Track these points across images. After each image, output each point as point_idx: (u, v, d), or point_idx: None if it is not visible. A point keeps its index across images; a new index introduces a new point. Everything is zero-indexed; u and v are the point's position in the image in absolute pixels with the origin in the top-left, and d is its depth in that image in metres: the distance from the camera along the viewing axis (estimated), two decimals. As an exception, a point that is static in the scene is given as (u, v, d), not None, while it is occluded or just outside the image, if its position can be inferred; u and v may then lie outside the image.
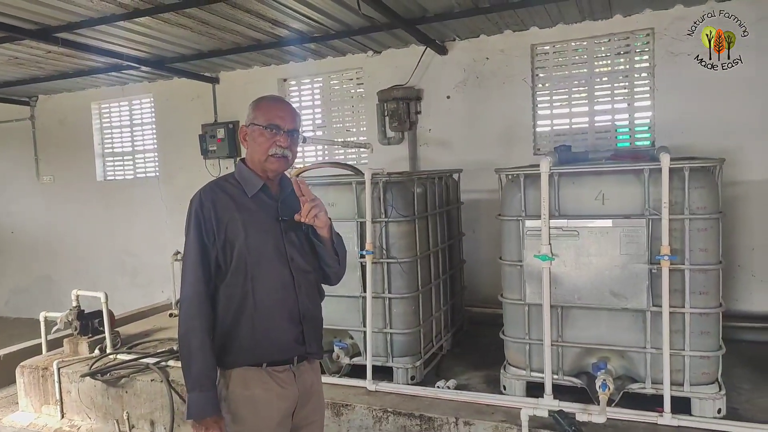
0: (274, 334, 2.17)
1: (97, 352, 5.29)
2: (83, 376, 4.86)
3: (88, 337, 5.42)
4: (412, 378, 4.33)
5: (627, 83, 5.83)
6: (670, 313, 3.45)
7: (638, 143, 5.81)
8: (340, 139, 6.94)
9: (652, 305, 3.54)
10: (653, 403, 3.57)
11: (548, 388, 3.71)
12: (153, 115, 8.23)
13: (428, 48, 6.21)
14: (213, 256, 2.13)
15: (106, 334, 5.31)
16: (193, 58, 6.67)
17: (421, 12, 5.40)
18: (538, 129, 6.18)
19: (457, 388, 4.19)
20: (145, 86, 8.03)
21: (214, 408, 2.08)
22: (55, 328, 5.54)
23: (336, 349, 4.43)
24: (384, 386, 4.22)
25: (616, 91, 5.87)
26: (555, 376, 3.77)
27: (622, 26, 5.66)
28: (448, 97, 6.44)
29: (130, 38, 5.80)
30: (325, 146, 7.22)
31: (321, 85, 7.31)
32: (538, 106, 6.17)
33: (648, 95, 5.70)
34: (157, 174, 8.23)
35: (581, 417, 3.44)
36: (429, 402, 3.98)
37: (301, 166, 5.58)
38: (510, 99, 6.15)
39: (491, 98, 6.24)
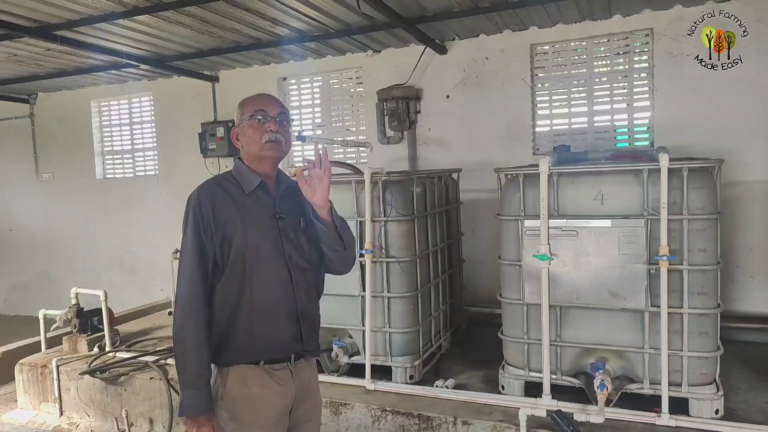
0: (272, 332, 2.16)
1: (96, 349, 5.31)
2: (82, 373, 4.86)
3: (87, 335, 5.43)
4: (411, 377, 4.33)
5: (626, 83, 5.82)
6: (668, 313, 3.45)
7: (637, 143, 5.81)
8: (339, 138, 6.93)
9: (650, 305, 3.54)
10: (651, 403, 3.58)
11: (546, 387, 3.72)
12: (152, 113, 8.22)
13: (428, 47, 6.21)
14: (210, 254, 2.12)
15: (106, 332, 5.33)
16: (192, 57, 6.67)
17: (421, 11, 5.39)
18: (537, 129, 6.18)
19: (456, 387, 4.19)
20: (145, 84, 8.02)
21: (208, 406, 2.08)
22: (54, 326, 5.55)
23: (335, 348, 4.43)
24: (383, 385, 4.23)
25: (615, 92, 5.87)
26: (553, 376, 3.78)
27: (622, 26, 5.66)
28: (448, 97, 6.44)
29: (129, 36, 5.79)
30: (325, 145, 7.21)
31: (321, 84, 7.31)
32: (538, 106, 6.17)
33: (647, 95, 5.70)
34: (157, 172, 8.22)
35: (579, 417, 3.44)
36: (427, 401, 3.98)
37: (302, 165, 5.56)
38: (509, 99, 6.15)
39: (491, 98, 6.24)
